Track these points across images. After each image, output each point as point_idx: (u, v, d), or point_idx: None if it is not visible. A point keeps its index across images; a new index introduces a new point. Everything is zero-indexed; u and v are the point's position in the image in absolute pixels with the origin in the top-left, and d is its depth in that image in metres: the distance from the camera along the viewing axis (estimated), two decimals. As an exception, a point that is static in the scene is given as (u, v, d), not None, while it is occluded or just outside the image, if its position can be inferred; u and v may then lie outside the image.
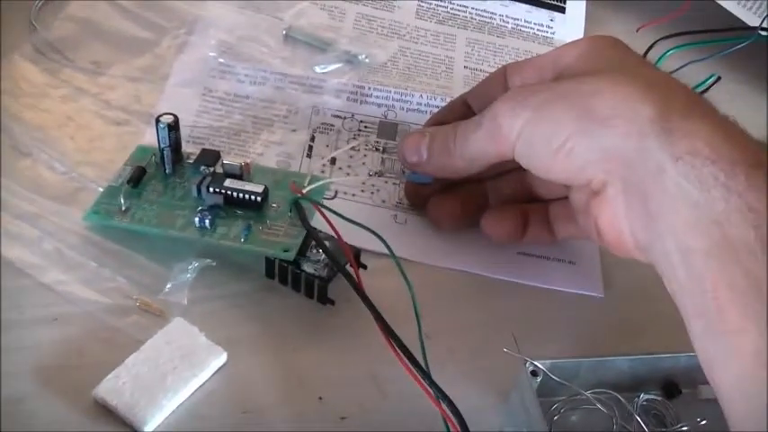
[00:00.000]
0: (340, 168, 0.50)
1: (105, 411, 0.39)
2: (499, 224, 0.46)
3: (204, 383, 0.40)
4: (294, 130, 0.52)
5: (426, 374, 0.37)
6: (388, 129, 0.53)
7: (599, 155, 0.38)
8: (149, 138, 0.48)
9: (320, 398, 0.40)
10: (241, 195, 0.44)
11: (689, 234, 0.35)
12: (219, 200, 0.45)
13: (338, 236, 0.42)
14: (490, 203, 0.47)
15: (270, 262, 0.43)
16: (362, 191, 0.49)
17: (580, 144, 0.38)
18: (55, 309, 0.42)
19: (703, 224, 0.34)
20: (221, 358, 0.40)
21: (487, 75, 0.48)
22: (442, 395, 0.36)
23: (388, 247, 0.41)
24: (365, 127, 0.53)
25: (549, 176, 0.41)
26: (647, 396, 0.41)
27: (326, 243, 0.42)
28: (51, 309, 0.42)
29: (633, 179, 0.37)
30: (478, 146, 0.43)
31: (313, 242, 0.43)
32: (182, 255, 0.44)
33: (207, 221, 0.44)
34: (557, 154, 0.39)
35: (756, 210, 0.33)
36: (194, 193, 0.45)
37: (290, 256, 0.43)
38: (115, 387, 0.39)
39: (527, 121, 0.40)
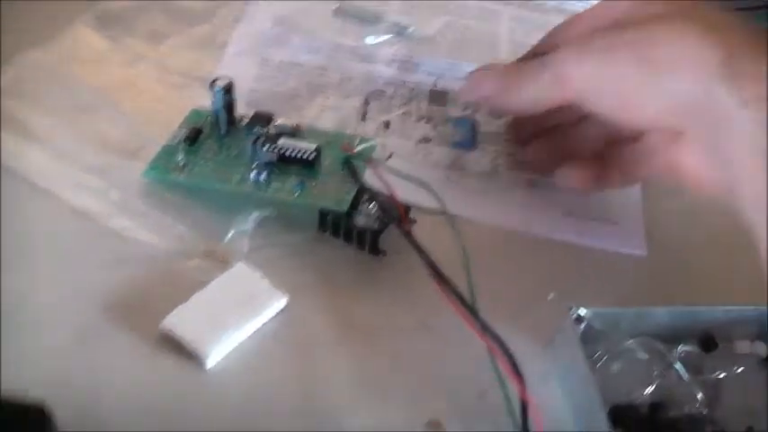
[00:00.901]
0: (393, 132, 0.52)
1: (170, 344, 0.41)
2: (574, 175, 0.47)
3: (264, 325, 0.42)
4: (347, 97, 0.54)
5: (474, 312, 0.39)
6: (438, 96, 0.55)
7: (669, 103, 0.39)
8: (206, 102, 0.50)
9: (372, 342, 0.42)
10: (294, 153, 0.47)
11: (761, 181, 0.35)
12: (274, 157, 0.47)
13: (389, 191, 0.44)
14: (575, 149, 0.48)
15: (323, 215, 0.45)
16: (415, 154, 0.51)
17: (650, 93, 0.39)
18: (120, 252, 0.44)
19: None
20: (281, 302, 0.42)
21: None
22: (490, 333, 0.37)
23: (438, 198, 0.43)
24: (416, 95, 0.55)
25: (621, 123, 0.42)
26: (685, 348, 0.42)
27: (378, 197, 0.44)
28: (117, 252, 0.44)
29: (706, 126, 0.38)
30: (543, 89, 0.43)
31: (364, 197, 0.45)
32: (238, 209, 0.46)
33: (262, 177, 0.46)
34: (627, 103, 0.40)
35: None
36: (249, 151, 0.47)
37: (344, 207, 0.45)
38: (181, 320, 0.41)
39: (594, 68, 0.41)
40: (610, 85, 0.40)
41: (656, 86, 0.39)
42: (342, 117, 0.52)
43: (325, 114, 0.52)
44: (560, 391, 0.41)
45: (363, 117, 0.53)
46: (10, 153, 0.48)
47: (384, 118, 0.53)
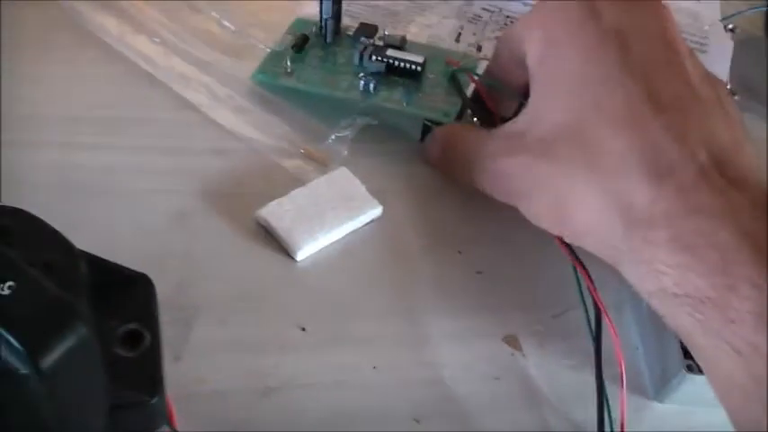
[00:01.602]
0: (484, 56, 0.51)
1: (263, 234, 0.41)
2: None
3: (356, 230, 0.42)
4: (444, 17, 0.53)
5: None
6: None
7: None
8: (310, 11, 0.50)
9: (459, 251, 0.42)
10: (402, 64, 0.46)
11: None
12: (381, 67, 0.46)
13: (491, 105, 0.44)
14: None
15: (426, 127, 0.45)
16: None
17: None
18: (222, 142, 0.45)
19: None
20: (376, 211, 0.42)
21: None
22: (572, 252, 0.37)
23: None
24: (510, 22, 0.54)
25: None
26: None
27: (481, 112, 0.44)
28: (218, 142, 0.45)
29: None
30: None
31: (467, 111, 0.45)
32: (340, 115, 0.45)
33: (371, 85, 0.46)
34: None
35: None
36: (356, 60, 0.47)
37: (450, 119, 0.44)
38: (277, 212, 0.41)
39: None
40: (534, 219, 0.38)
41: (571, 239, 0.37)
42: (438, 35, 0.52)
43: (423, 32, 0.52)
44: (633, 319, 0.40)
45: (457, 38, 0.52)
46: (116, 38, 0.48)
47: (477, 41, 0.52)
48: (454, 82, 0.47)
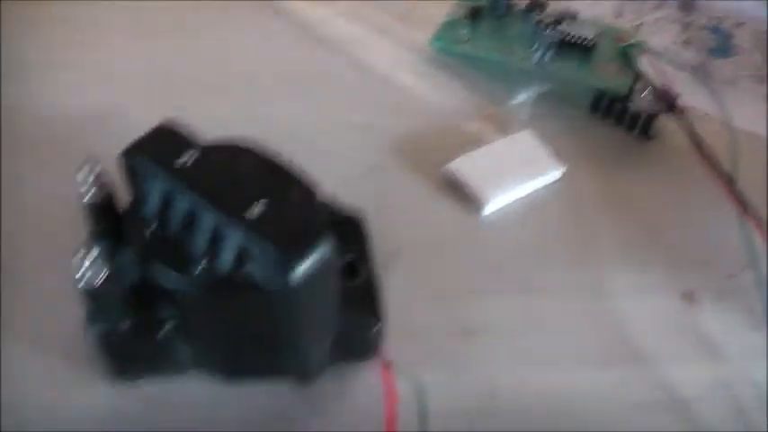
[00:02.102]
0: (644, 33, 0.52)
1: (451, 187, 0.43)
2: None
3: (538, 189, 0.43)
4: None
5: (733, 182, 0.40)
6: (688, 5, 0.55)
7: None
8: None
9: (636, 211, 0.44)
10: (575, 39, 0.48)
11: None
12: (555, 39, 0.48)
13: (664, 81, 0.46)
14: None
15: (598, 97, 0.47)
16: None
17: None
18: (405, 103, 0.47)
19: None
20: (558, 172, 0.44)
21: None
22: (752, 212, 0.38)
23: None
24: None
25: None
26: None
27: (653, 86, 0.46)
28: (402, 103, 0.47)
29: None
30: None
31: (638, 85, 0.46)
32: (517, 82, 0.47)
33: (547, 56, 0.47)
34: None
35: None
36: (531, 32, 0.49)
37: (623, 89, 0.46)
38: (466, 166, 0.43)
39: None
40: None
41: None
42: (597, 14, 0.53)
43: (583, 10, 0.53)
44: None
45: (618, 16, 0.53)
46: (300, 7, 0.52)
47: (638, 19, 0.53)
48: (625, 57, 0.48)
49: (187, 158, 0.31)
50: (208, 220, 0.30)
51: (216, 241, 0.30)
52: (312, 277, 0.29)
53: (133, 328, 0.32)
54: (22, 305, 0.37)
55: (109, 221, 0.32)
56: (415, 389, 0.35)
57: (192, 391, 0.35)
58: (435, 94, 0.47)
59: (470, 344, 0.37)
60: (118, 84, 0.47)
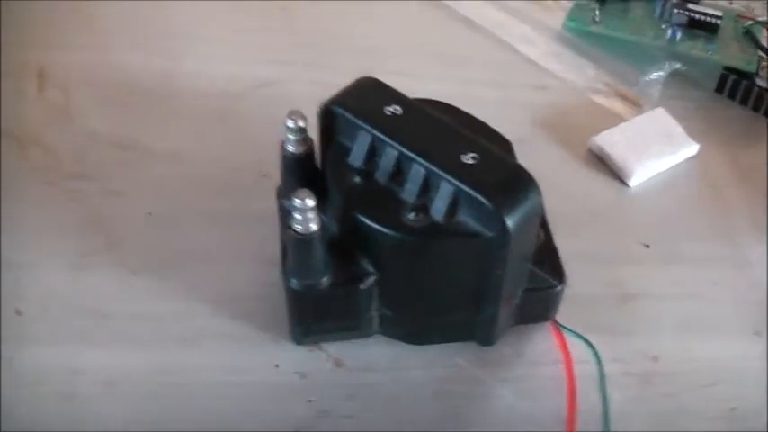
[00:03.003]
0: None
1: (596, 161, 0.44)
2: None
3: (677, 164, 0.44)
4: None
5: None
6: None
7: None
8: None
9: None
10: (703, 17, 0.49)
11: None
12: (684, 19, 0.49)
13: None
14: None
15: (724, 76, 0.48)
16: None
17: None
18: (541, 80, 0.48)
19: None
20: (694, 147, 0.45)
21: None
22: None
23: None
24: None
25: None
26: None
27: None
28: (538, 80, 0.48)
29: None
30: None
31: (764, 63, 0.47)
32: (647, 61, 0.48)
33: (678, 34, 0.49)
34: None
35: None
36: (658, 12, 0.50)
37: (752, 66, 0.47)
38: (611, 140, 0.44)
39: None
40: None
41: None
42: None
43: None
44: None
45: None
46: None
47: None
48: (749, 36, 0.49)
49: (392, 111, 0.32)
50: (419, 169, 0.31)
51: (427, 190, 0.31)
52: (525, 224, 0.30)
53: (333, 283, 0.32)
54: (206, 268, 0.38)
55: (309, 175, 0.33)
56: (589, 351, 0.36)
57: (375, 353, 0.36)
58: (569, 73, 0.48)
59: (630, 309, 0.38)
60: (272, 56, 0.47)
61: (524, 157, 0.41)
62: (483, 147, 0.31)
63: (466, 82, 0.47)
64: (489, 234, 0.30)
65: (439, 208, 0.30)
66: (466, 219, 0.30)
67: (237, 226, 0.39)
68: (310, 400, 0.34)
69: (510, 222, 0.29)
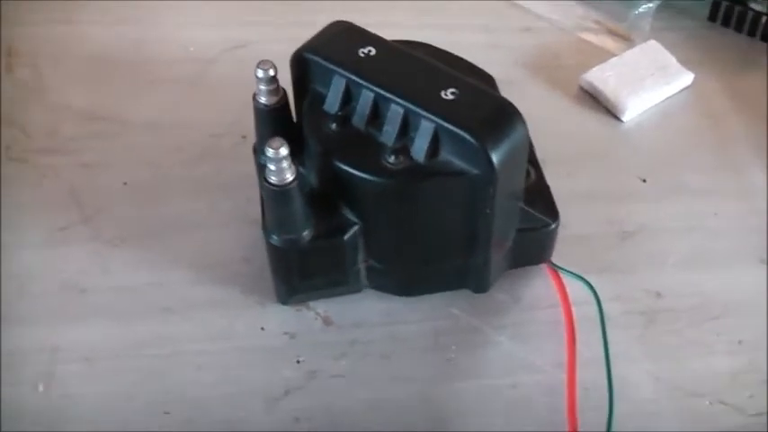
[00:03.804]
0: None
1: (588, 99, 0.42)
2: None
3: (672, 95, 0.43)
4: None
5: None
6: None
7: None
8: None
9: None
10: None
11: None
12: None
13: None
14: None
15: (716, 4, 0.46)
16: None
17: None
18: (529, 22, 0.47)
19: None
20: (689, 77, 0.43)
21: None
22: None
23: None
24: None
25: None
26: None
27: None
28: (526, 22, 0.47)
29: None
30: None
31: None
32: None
33: (665, -36, 0.47)
34: None
35: None
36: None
37: (745, -5, 0.45)
38: (602, 76, 0.42)
39: None
40: None
41: None
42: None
43: None
44: None
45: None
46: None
47: None
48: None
49: (367, 52, 0.30)
50: (396, 109, 0.29)
51: (407, 131, 0.29)
52: (512, 159, 0.28)
53: (315, 236, 0.31)
54: (187, 235, 0.37)
55: (285, 127, 0.32)
56: (588, 291, 0.34)
57: (365, 309, 0.35)
58: (557, 13, 0.47)
59: (630, 246, 0.37)
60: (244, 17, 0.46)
61: (513, 99, 0.40)
62: (463, 81, 0.29)
63: (448, 28, 0.46)
64: (475, 172, 0.29)
65: (420, 148, 0.29)
66: (449, 157, 0.29)
67: (219, 190, 0.38)
68: (299, 361, 0.33)
69: (496, 158, 0.28)
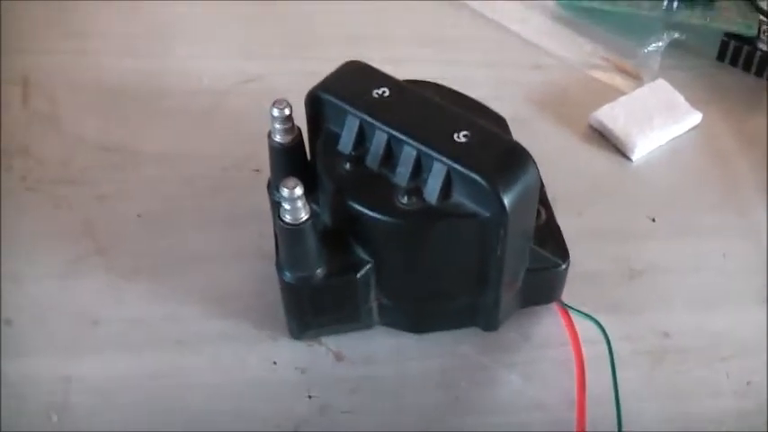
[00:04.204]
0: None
1: (597, 137, 0.43)
2: None
3: (681, 135, 0.43)
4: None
5: None
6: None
7: None
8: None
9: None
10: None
11: None
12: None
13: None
14: None
15: (724, 44, 0.46)
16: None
17: None
18: (537, 59, 0.47)
19: None
20: (697, 117, 0.44)
21: None
22: None
23: None
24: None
25: None
26: None
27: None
28: (534, 58, 0.47)
29: None
30: None
31: (764, 26, 0.46)
32: (644, 32, 0.47)
33: (675, 3, 0.47)
34: None
35: None
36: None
37: (752, 30, 0.46)
38: (611, 114, 0.43)
39: None
40: None
41: None
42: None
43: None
44: None
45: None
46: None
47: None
48: (751, -1, 0.48)
49: (380, 93, 0.31)
50: (410, 151, 0.30)
51: (419, 173, 0.30)
52: (523, 201, 0.29)
53: (328, 274, 0.31)
54: (199, 268, 0.37)
55: (299, 165, 0.32)
56: (598, 330, 0.35)
57: (376, 345, 0.35)
58: (566, 50, 0.47)
59: (639, 285, 0.37)
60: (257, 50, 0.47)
61: (522, 137, 0.40)
62: (475, 124, 0.30)
63: (456, 64, 0.46)
64: (486, 214, 0.29)
65: (432, 190, 0.29)
66: (461, 199, 0.29)
67: (231, 224, 0.38)
68: (311, 396, 0.33)
69: (507, 200, 0.28)
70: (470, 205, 0.29)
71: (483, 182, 0.28)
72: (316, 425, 0.32)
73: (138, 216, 0.38)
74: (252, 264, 0.36)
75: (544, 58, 0.47)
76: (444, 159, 0.29)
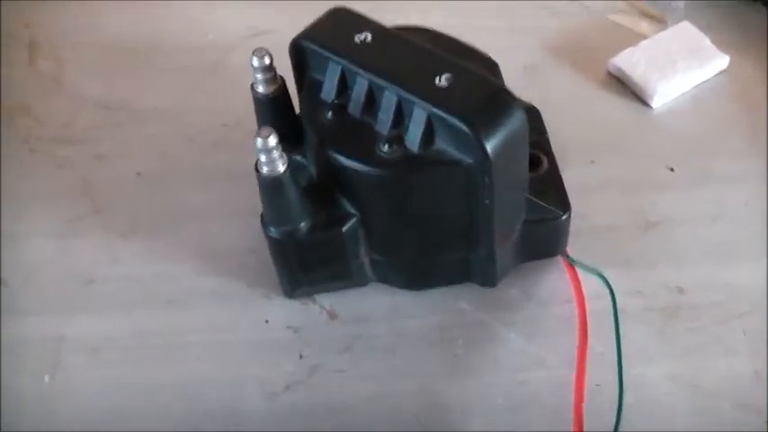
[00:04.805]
0: None
1: (615, 83, 0.41)
2: None
3: (707, 80, 0.40)
4: None
5: None
6: None
7: None
8: None
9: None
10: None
11: None
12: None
13: None
14: None
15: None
16: None
17: None
18: (554, 4, 0.45)
19: None
20: (724, 61, 0.41)
21: None
22: None
23: None
24: None
25: None
26: None
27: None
28: (551, 4, 0.45)
29: None
30: None
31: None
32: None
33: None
34: None
35: None
36: None
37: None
38: (631, 60, 0.40)
39: None
40: None
41: None
42: None
43: None
44: None
45: None
46: None
47: None
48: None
49: (363, 39, 0.29)
50: (390, 96, 0.28)
51: (401, 120, 0.28)
52: (508, 148, 0.27)
53: (313, 227, 0.30)
54: (196, 226, 0.36)
55: (284, 117, 0.31)
56: (603, 285, 0.33)
57: (371, 303, 0.34)
58: (582, -7, 0.44)
59: (653, 238, 0.35)
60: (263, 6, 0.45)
61: (536, 84, 0.39)
62: (459, 67, 0.28)
63: (468, 12, 0.44)
64: (469, 161, 0.27)
65: (414, 137, 0.28)
66: (444, 147, 0.28)
67: (231, 182, 0.37)
68: (302, 356, 0.32)
69: (490, 146, 0.27)
70: (454, 153, 0.28)
71: (463, 126, 0.27)
72: (306, 384, 0.31)
73: (138, 174, 0.38)
74: (248, 222, 0.35)
75: (561, 4, 0.44)
76: (424, 104, 0.27)
